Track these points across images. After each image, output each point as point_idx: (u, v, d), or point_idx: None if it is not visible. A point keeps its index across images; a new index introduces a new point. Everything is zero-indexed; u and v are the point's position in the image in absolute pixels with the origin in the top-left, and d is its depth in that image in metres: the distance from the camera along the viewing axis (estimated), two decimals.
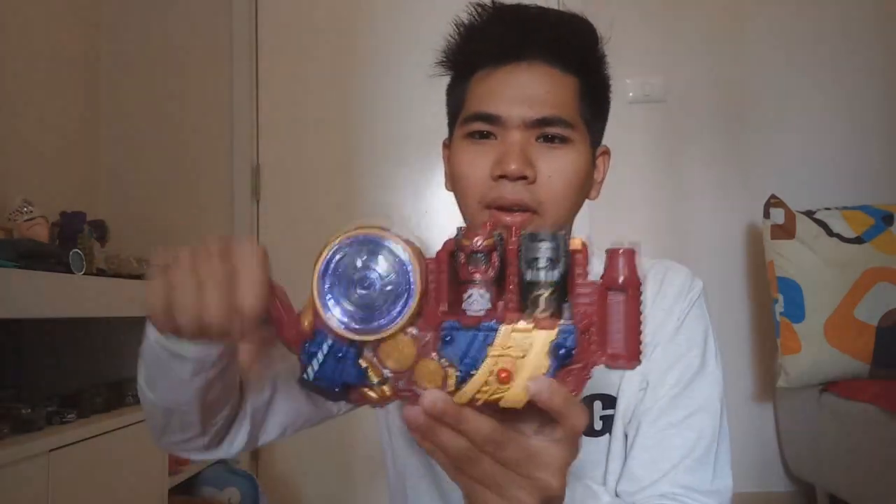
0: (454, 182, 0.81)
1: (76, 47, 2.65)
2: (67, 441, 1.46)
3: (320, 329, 0.47)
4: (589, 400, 0.78)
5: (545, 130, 0.77)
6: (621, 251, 0.47)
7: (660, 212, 2.65)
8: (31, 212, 1.83)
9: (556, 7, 0.85)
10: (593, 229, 2.38)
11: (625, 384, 0.78)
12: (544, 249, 0.46)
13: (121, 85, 2.78)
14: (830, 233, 2.28)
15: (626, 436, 0.78)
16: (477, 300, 0.46)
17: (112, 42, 2.78)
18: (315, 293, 0.46)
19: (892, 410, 1.85)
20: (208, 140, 2.76)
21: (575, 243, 0.47)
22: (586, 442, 0.78)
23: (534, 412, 0.46)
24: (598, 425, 0.78)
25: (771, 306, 2.35)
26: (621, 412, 0.78)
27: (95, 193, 2.72)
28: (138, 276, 1.92)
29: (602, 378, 0.79)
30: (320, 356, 0.47)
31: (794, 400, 2.37)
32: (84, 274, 1.57)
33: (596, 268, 0.47)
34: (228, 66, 2.75)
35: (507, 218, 0.75)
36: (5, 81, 2.22)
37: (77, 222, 1.89)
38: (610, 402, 0.79)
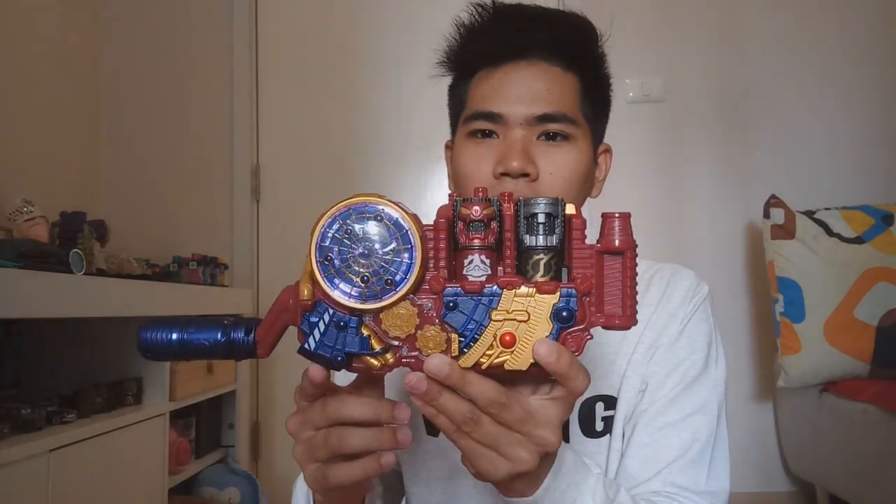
0: (457, 181, 0.82)
1: (76, 47, 2.65)
2: (67, 441, 1.46)
3: (320, 299, 0.47)
4: (591, 401, 0.78)
5: (547, 127, 0.77)
6: (617, 215, 0.47)
7: (660, 211, 2.65)
8: (31, 212, 1.83)
9: (555, 7, 0.85)
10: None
11: (625, 385, 0.78)
12: (543, 215, 0.47)
13: (121, 85, 2.78)
14: (830, 233, 2.28)
15: (625, 436, 0.78)
16: (478, 266, 0.47)
17: (112, 42, 2.78)
18: (314, 263, 0.46)
19: (892, 410, 1.85)
20: (208, 140, 2.76)
21: (570, 209, 0.48)
22: (588, 443, 0.78)
23: (529, 373, 0.47)
24: (599, 426, 0.79)
25: (771, 306, 2.35)
26: (622, 413, 0.78)
27: (95, 193, 2.72)
28: (138, 276, 1.92)
29: (603, 379, 0.79)
30: (321, 326, 0.47)
31: (794, 400, 2.37)
32: (84, 274, 1.57)
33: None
34: (228, 67, 2.75)
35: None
36: (5, 81, 2.22)
37: (77, 222, 1.89)
38: (611, 403, 0.79)
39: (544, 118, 0.76)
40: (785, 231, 2.30)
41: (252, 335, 0.49)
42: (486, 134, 0.78)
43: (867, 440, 1.96)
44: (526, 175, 0.75)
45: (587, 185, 0.81)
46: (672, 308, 0.80)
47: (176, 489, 1.99)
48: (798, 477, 2.45)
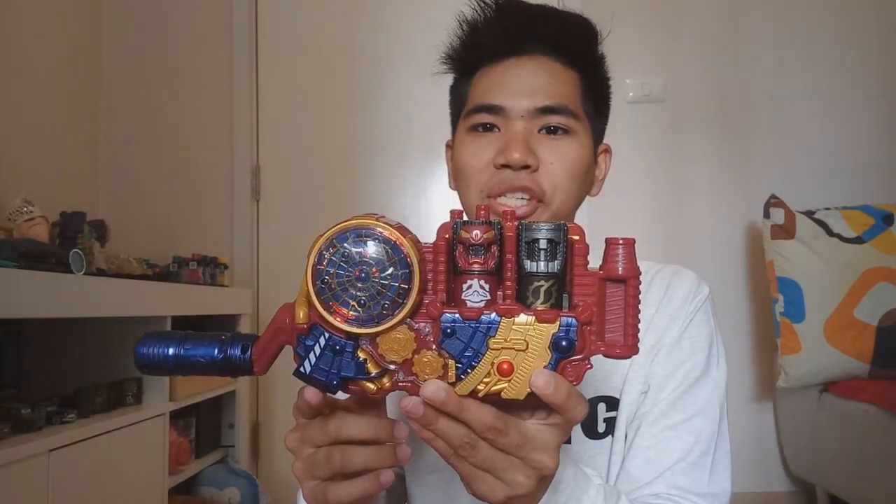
0: (457, 175, 0.81)
1: (76, 47, 2.65)
2: (67, 441, 1.46)
3: (316, 322, 0.46)
4: (593, 402, 0.78)
5: (548, 120, 0.77)
6: (621, 241, 0.46)
7: (660, 212, 2.65)
8: (31, 212, 1.83)
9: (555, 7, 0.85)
10: (593, 229, 2.39)
11: (627, 386, 0.78)
12: (544, 240, 0.46)
13: (121, 85, 2.78)
14: (830, 233, 2.28)
15: (627, 437, 0.78)
16: (477, 291, 0.46)
17: (112, 42, 2.78)
18: (310, 286, 0.45)
19: (892, 410, 1.85)
20: (208, 140, 2.76)
21: (574, 231, 0.46)
22: (590, 444, 0.78)
23: (527, 401, 0.47)
24: (601, 427, 0.79)
25: (771, 306, 2.35)
26: (624, 414, 0.78)
27: (95, 193, 2.72)
28: (138, 276, 1.92)
29: (606, 380, 0.79)
30: (317, 349, 0.46)
31: (794, 400, 2.37)
32: (84, 274, 1.57)
33: (591, 262, 0.47)
34: (229, 66, 2.75)
35: (510, 202, 0.75)
36: (5, 82, 2.22)
37: (77, 222, 1.89)
38: (613, 404, 0.79)
39: (546, 110, 0.77)
40: (785, 231, 2.30)
41: (248, 353, 0.49)
42: (487, 128, 0.78)
43: (867, 440, 1.96)
44: (527, 167, 0.75)
45: (587, 180, 0.81)
46: (673, 309, 0.80)
47: (176, 489, 1.99)
48: (798, 477, 2.45)
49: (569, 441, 0.78)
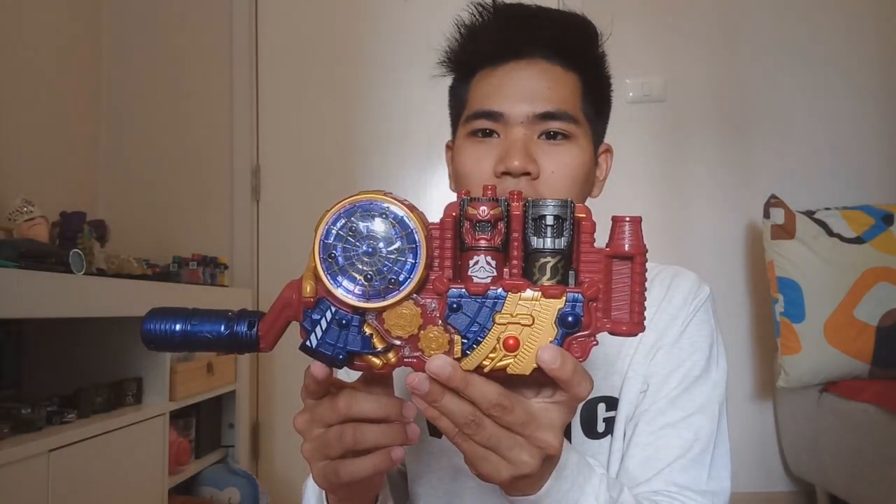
0: (457, 181, 0.82)
1: (76, 47, 2.65)
2: (67, 441, 1.46)
3: (323, 296, 0.46)
4: (593, 402, 0.78)
5: (548, 126, 0.77)
6: (628, 219, 0.47)
7: (660, 211, 2.65)
8: (31, 212, 1.83)
9: (556, 7, 0.85)
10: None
11: (626, 386, 0.78)
12: (551, 217, 0.46)
13: (121, 85, 2.78)
14: (830, 233, 2.28)
15: (626, 436, 0.78)
16: (483, 267, 0.46)
17: (112, 42, 2.78)
18: (317, 261, 0.45)
19: (892, 410, 1.86)
20: (208, 140, 2.76)
21: (580, 210, 0.47)
22: (589, 444, 0.78)
23: (532, 376, 0.47)
24: (600, 427, 0.79)
25: (771, 306, 2.35)
26: (623, 414, 0.78)
27: (95, 193, 2.72)
28: (138, 276, 1.92)
29: (605, 380, 0.79)
30: (323, 324, 0.46)
31: (794, 400, 2.37)
32: (84, 274, 1.57)
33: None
34: (228, 66, 2.75)
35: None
36: (5, 82, 2.22)
37: (77, 222, 1.89)
38: (613, 404, 0.79)
39: (546, 116, 0.76)
40: (785, 231, 2.30)
41: (255, 329, 0.49)
42: (487, 133, 0.78)
43: (867, 440, 1.96)
44: (527, 174, 0.75)
45: (588, 184, 0.81)
46: (673, 309, 0.80)
47: (176, 489, 1.99)
48: (798, 477, 2.45)
49: (569, 441, 0.78)
